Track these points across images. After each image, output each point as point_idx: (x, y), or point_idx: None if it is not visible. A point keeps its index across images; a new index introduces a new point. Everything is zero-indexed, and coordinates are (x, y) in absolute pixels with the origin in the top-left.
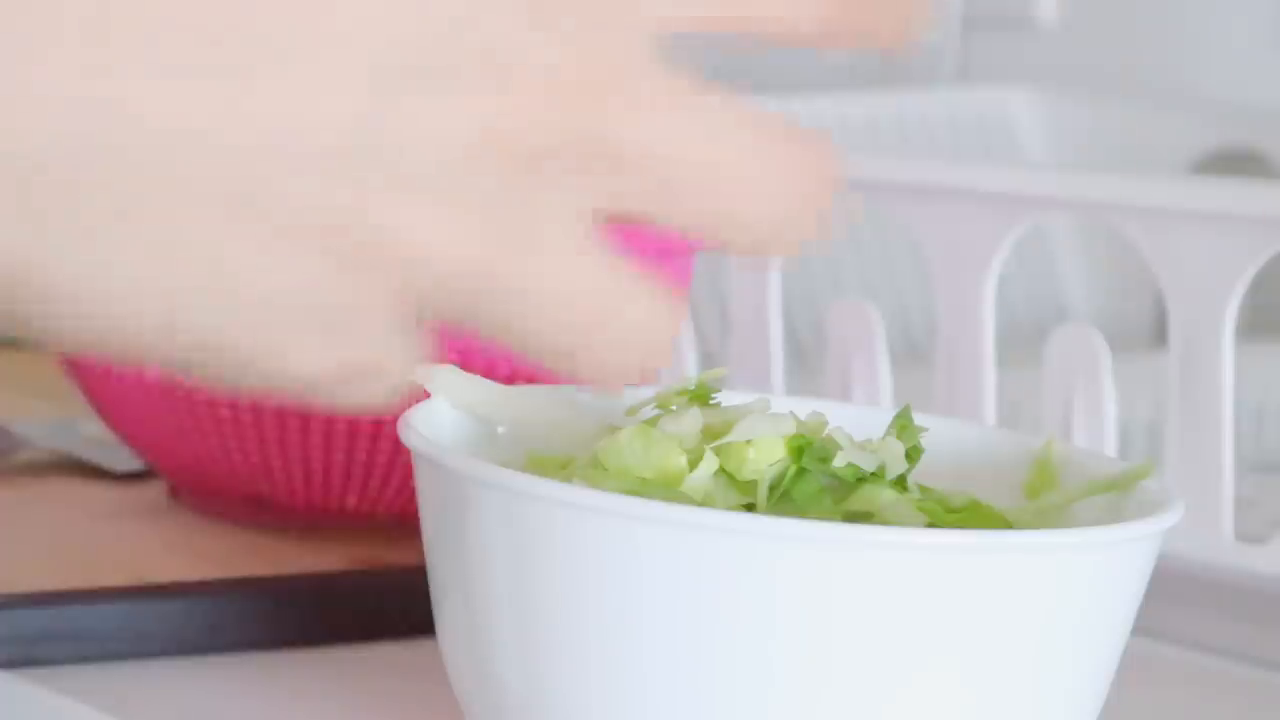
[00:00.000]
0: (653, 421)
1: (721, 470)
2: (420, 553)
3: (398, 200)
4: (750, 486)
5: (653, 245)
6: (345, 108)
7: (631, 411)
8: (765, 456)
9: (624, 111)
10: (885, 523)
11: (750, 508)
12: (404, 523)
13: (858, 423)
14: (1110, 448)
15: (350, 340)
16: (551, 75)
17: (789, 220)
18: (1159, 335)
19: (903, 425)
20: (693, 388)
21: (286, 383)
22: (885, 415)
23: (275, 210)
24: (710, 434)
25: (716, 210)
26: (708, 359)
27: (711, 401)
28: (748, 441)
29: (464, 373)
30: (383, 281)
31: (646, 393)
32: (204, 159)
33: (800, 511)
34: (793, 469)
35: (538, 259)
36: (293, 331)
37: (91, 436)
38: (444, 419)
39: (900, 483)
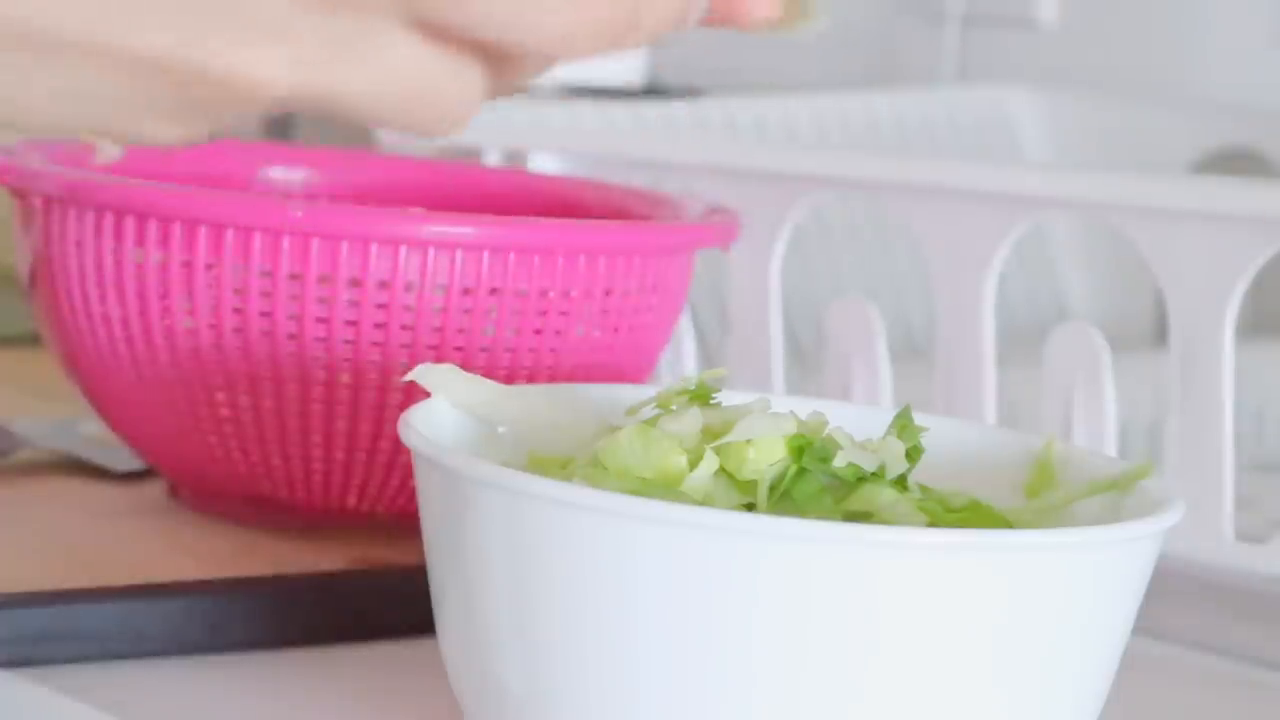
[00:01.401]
0: (653, 421)
1: (721, 470)
2: (420, 553)
3: (238, 42)
4: (750, 486)
5: (654, 244)
6: None
7: (631, 411)
8: (765, 456)
9: None
10: (885, 523)
11: (750, 508)
12: (404, 523)
13: (858, 423)
14: (1110, 448)
15: (197, 121)
16: None
17: (576, 36)
18: (1159, 335)
19: (903, 425)
20: (693, 388)
21: (147, 142)
22: (885, 415)
23: (126, 55)
24: (710, 434)
25: (510, 21)
26: (708, 359)
27: (711, 401)
28: (748, 441)
29: (464, 373)
30: (223, 104)
31: (647, 392)
32: (60, 6)
33: (800, 511)
34: (793, 469)
35: (366, 68)
36: (149, 117)
37: (91, 436)
38: (444, 419)
39: (900, 483)
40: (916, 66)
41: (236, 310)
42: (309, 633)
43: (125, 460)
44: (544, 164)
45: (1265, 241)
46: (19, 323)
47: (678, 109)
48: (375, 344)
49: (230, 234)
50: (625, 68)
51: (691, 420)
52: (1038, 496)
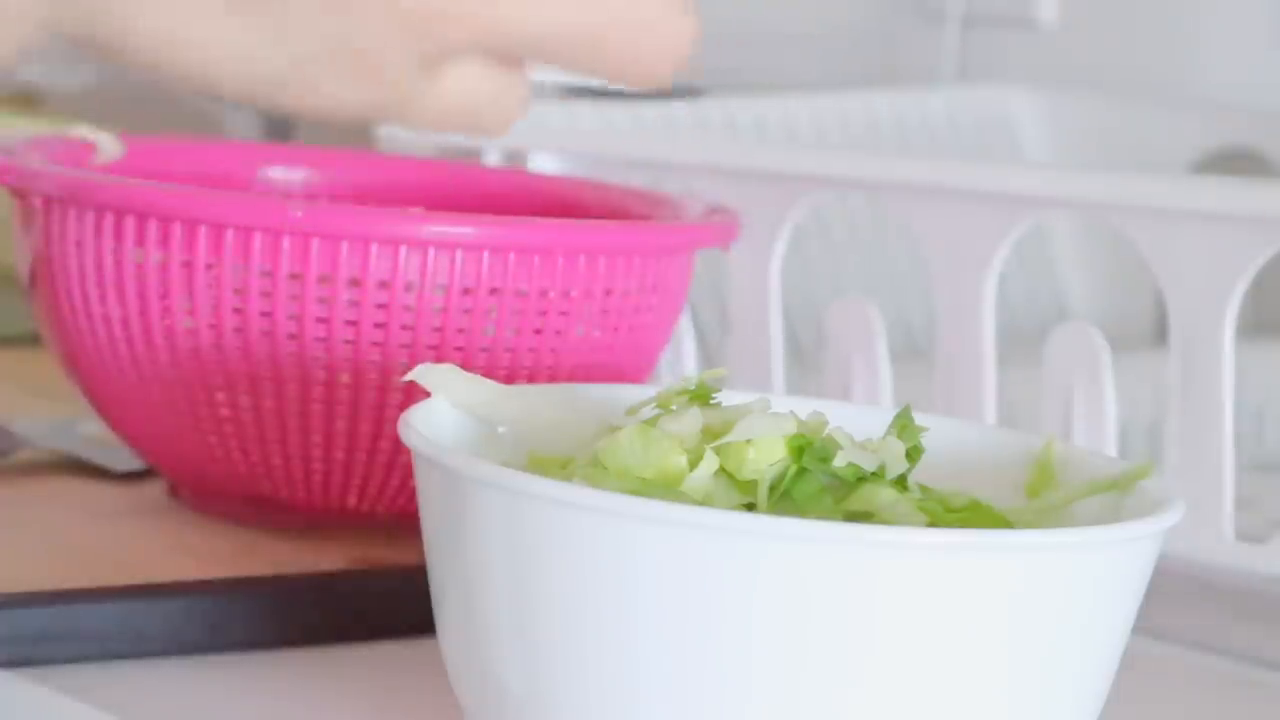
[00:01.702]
0: (653, 421)
1: (721, 470)
2: (420, 553)
3: None
4: (750, 486)
5: (654, 244)
6: None
7: (631, 411)
8: (765, 456)
9: None
10: (885, 522)
11: (750, 507)
12: (404, 523)
13: (858, 423)
14: (1110, 448)
15: (377, 85)
16: None
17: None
18: (1159, 335)
19: (903, 425)
20: (693, 388)
21: (327, 114)
22: (885, 415)
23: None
24: (710, 434)
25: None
26: (708, 359)
27: (711, 401)
28: (748, 441)
29: (464, 372)
30: (406, 43)
31: (647, 392)
32: None
33: (800, 511)
34: (793, 469)
35: (442, 92)
36: (332, 77)
37: (91, 436)
38: (444, 419)
39: (900, 483)
40: (916, 66)
41: (236, 310)
42: (309, 633)
43: (125, 460)
44: (544, 164)
45: (1265, 241)
46: (19, 323)
47: (678, 109)
48: (375, 344)
49: (230, 234)
50: None
51: (691, 420)
52: (1038, 496)
